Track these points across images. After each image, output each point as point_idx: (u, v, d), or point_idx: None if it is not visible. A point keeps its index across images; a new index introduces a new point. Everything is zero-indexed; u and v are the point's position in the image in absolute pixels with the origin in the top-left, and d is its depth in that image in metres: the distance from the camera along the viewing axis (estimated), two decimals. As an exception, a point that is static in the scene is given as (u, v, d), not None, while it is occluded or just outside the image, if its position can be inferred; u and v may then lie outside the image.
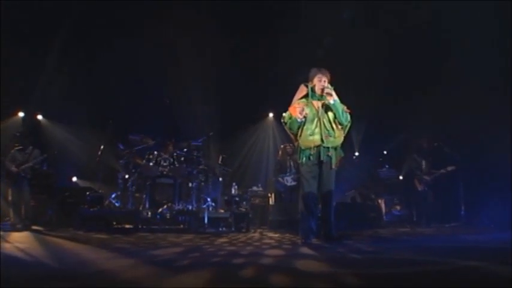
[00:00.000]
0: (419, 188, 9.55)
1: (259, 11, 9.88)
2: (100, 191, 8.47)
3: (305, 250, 4.23)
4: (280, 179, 9.48)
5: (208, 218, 7.79)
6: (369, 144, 12.05)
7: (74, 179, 10.41)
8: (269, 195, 10.23)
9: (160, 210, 7.65)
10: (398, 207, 10.23)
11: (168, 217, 7.61)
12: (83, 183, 10.39)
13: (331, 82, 5.44)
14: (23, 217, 7.58)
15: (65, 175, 10.37)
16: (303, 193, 5.33)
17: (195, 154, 8.76)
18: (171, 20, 9.19)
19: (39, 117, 10.77)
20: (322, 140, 5.17)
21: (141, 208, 8.00)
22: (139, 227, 7.47)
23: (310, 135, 5.22)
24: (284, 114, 5.40)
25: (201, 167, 8.97)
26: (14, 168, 7.63)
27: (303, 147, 5.28)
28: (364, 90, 11.49)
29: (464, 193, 9.23)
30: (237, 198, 8.67)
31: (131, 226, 7.56)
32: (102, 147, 8.62)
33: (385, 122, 11.63)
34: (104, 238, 5.72)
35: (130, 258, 3.54)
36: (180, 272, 2.86)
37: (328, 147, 5.21)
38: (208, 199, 8.93)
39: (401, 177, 10.87)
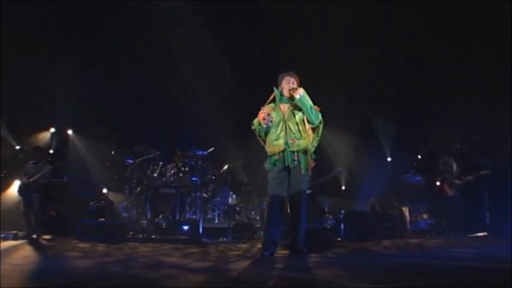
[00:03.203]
0: (449, 193, 8.82)
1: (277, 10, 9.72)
2: (102, 202, 8.68)
3: (237, 265, 3.98)
4: (294, 187, 9.16)
5: (205, 228, 7.70)
6: (401, 148, 11.40)
7: (104, 190, 10.68)
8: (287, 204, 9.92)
9: (156, 220, 7.69)
10: (425, 216, 9.47)
11: (164, 227, 7.63)
12: (111, 195, 10.66)
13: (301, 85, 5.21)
14: (33, 226, 7.97)
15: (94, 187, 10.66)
16: (268, 201, 5.09)
17: (199, 164, 8.71)
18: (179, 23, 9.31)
19: (69, 132, 11.28)
20: (287, 144, 4.91)
21: (143, 218, 8.11)
22: (138, 236, 7.56)
23: (275, 140, 4.99)
24: (254, 121, 5.22)
25: (207, 176, 8.94)
26: (25, 180, 8.08)
27: (269, 153, 5.07)
28: (392, 92, 11.02)
29: (489, 200, 8.36)
30: (237, 208, 8.49)
31: (129, 236, 7.66)
32: (111, 157, 8.88)
33: (416, 125, 10.98)
34: (76, 246, 5.86)
35: (33, 266, 3.58)
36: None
37: (294, 151, 4.93)
38: (216, 209, 8.86)
39: (438, 183, 10.04)
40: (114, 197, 9.75)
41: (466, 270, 3.59)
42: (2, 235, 7.59)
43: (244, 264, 4.04)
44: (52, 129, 11.04)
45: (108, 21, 9.26)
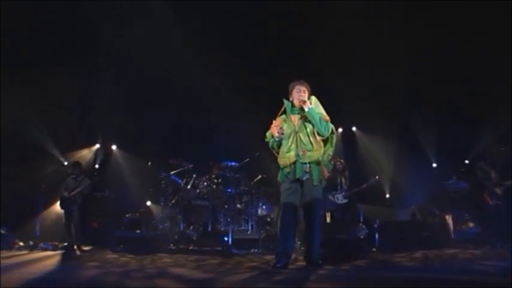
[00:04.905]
0: (491, 202, 8.23)
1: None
2: (137, 214, 8.93)
3: (238, 276, 3.95)
4: (330, 196, 9.02)
5: (236, 240, 7.72)
6: (446, 154, 10.89)
7: (148, 203, 11.01)
8: (326, 214, 9.75)
9: (187, 231, 7.81)
10: (470, 224, 8.91)
11: (194, 239, 7.72)
12: (156, 207, 10.95)
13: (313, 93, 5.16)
14: (74, 238, 8.35)
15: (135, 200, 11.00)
16: (280, 212, 5.04)
17: (231, 175, 8.74)
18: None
19: (114, 147, 11.76)
20: (298, 156, 4.84)
21: (175, 230, 8.26)
22: (170, 248, 7.73)
23: (287, 152, 4.95)
24: (267, 133, 5.19)
25: (241, 187, 8.94)
26: (65, 194, 8.49)
27: (280, 165, 5.02)
28: (436, 95, 10.60)
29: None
30: (268, 219, 8.41)
31: (162, 247, 7.82)
32: (147, 169, 9.16)
33: (464, 128, 10.48)
34: (102, 257, 6.08)
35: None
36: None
37: (305, 163, 4.84)
38: (250, 220, 8.83)
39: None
40: (155, 209, 10.02)
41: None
42: (43, 246, 8.06)
43: (246, 276, 4.00)
44: (97, 145, 11.58)
45: (140, 46, 9.59)
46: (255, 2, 9.12)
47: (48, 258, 6.01)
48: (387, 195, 11.72)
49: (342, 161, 9.28)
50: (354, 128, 12.44)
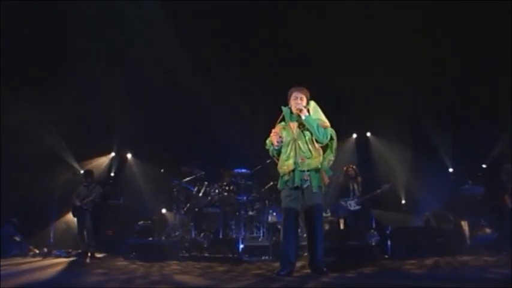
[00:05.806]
0: (510, 205, 8.05)
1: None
2: (149, 222, 9.00)
3: (235, 284, 3.95)
4: (342, 202, 8.97)
5: (248, 247, 7.72)
6: (462, 158, 10.69)
7: (163, 210, 11.08)
8: (340, 220, 9.67)
9: (197, 238, 7.84)
10: (487, 230, 8.70)
11: (205, 246, 7.75)
12: (169, 215, 11.02)
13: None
14: (87, 245, 8.46)
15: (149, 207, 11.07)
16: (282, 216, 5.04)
17: (242, 182, 8.76)
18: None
19: (129, 155, 11.92)
20: (297, 164, 4.83)
21: (187, 237, 8.30)
22: (181, 255, 7.78)
23: (286, 159, 4.94)
24: (267, 141, 5.19)
25: (253, 195, 8.94)
26: (78, 203, 8.61)
27: (280, 173, 5.02)
28: (452, 97, 10.44)
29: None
30: (279, 226, 8.37)
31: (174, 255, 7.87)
32: (159, 177, 9.26)
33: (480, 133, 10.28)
34: (111, 264, 6.17)
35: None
36: None
37: (304, 171, 4.82)
38: (261, 227, 8.81)
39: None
40: (169, 217, 10.08)
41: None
42: (57, 253, 8.21)
43: (247, 283, 4.00)
44: (112, 154, 11.75)
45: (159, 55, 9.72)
46: (257, 2, 9.12)
47: (58, 265, 6.13)
48: (403, 201, 11.55)
49: (354, 167, 9.22)
50: (368, 134, 12.30)
